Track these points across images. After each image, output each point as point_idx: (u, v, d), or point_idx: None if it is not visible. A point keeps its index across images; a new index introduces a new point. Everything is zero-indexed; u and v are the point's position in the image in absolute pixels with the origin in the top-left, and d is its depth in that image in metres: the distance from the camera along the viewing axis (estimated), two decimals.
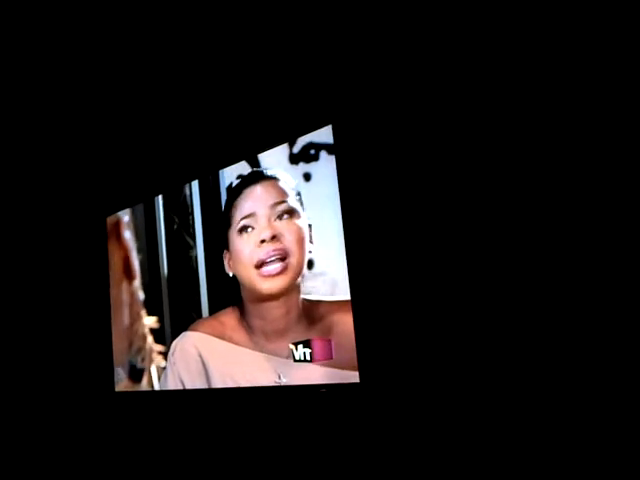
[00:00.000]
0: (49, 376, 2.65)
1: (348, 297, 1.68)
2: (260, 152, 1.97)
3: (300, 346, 1.81)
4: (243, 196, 1.96)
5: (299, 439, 1.85)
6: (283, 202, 1.85)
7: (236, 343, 1.95)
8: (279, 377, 1.83)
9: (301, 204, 1.83)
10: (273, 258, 1.80)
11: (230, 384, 1.99)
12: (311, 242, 1.78)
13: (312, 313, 1.76)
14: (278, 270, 1.79)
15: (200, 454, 2.16)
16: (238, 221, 1.94)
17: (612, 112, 1.31)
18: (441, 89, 1.58)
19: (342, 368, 1.67)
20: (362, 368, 1.67)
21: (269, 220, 1.84)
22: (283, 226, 1.82)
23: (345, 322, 1.67)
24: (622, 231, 1.29)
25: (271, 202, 1.87)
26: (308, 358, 1.79)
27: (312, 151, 1.82)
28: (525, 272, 1.43)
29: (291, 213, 1.83)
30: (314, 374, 1.75)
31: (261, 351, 1.89)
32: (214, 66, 2.16)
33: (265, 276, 1.82)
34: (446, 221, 1.57)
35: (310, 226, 1.80)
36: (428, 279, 1.60)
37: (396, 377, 1.64)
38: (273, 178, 1.91)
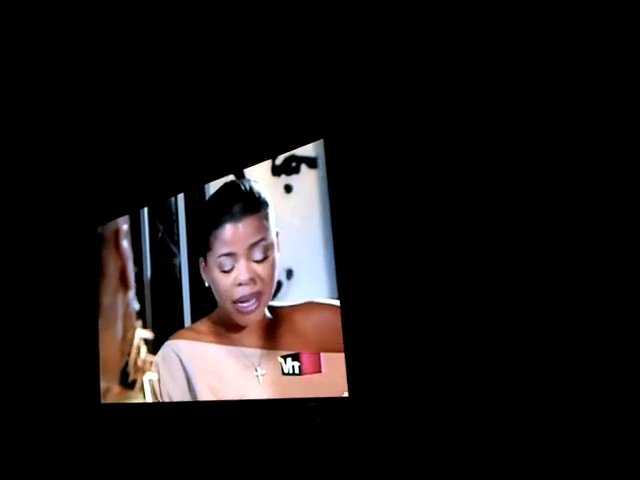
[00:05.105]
0: (34, 387, 2.64)
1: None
2: (248, 166, 2.02)
3: (289, 359, 1.84)
4: (224, 229, 2.01)
5: (287, 454, 1.85)
6: (262, 240, 1.92)
7: (212, 342, 2.09)
8: (256, 370, 1.93)
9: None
10: (249, 299, 1.94)
11: (213, 383, 2.07)
12: (278, 251, 1.90)
13: (277, 315, 1.92)
14: (253, 308, 1.94)
15: (186, 468, 2.15)
16: (217, 255, 2.02)
17: (612, 113, 1.30)
18: (438, 103, 1.59)
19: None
20: (351, 383, 1.67)
21: (248, 261, 1.94)
22: (259, 268, 1.92)
23: (302, 319, 1.84)
24: (621, 231, 1.28)
25: (251, 241, 1.94)
26: (297, 372, 1.82)
27: (294, 164, 1.88)
28: (518, 283, 1.42)
29: (268, 249, 1.91)
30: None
31: (235, 346, 2.02)
32: (205, 81, 2.19)
33: (241, 312, 1.96)
34: (437, 235, 1.57)
35: (277, 234, 1.90)
36: (418, 292, 1.59)
37: (386, 392, 1.64)
38: (256, 211, 1.96)
